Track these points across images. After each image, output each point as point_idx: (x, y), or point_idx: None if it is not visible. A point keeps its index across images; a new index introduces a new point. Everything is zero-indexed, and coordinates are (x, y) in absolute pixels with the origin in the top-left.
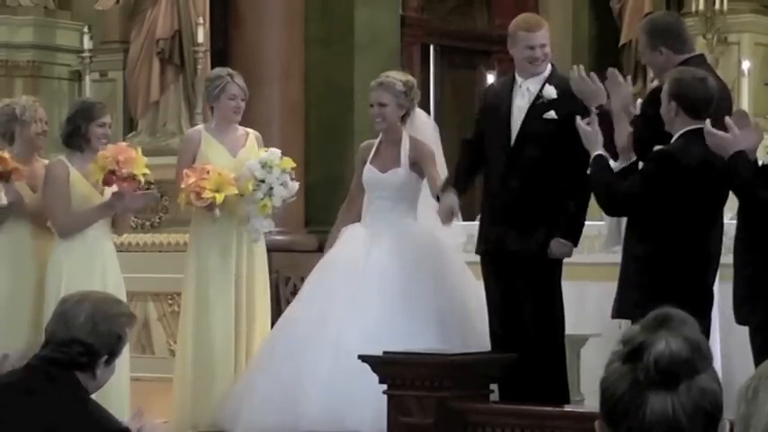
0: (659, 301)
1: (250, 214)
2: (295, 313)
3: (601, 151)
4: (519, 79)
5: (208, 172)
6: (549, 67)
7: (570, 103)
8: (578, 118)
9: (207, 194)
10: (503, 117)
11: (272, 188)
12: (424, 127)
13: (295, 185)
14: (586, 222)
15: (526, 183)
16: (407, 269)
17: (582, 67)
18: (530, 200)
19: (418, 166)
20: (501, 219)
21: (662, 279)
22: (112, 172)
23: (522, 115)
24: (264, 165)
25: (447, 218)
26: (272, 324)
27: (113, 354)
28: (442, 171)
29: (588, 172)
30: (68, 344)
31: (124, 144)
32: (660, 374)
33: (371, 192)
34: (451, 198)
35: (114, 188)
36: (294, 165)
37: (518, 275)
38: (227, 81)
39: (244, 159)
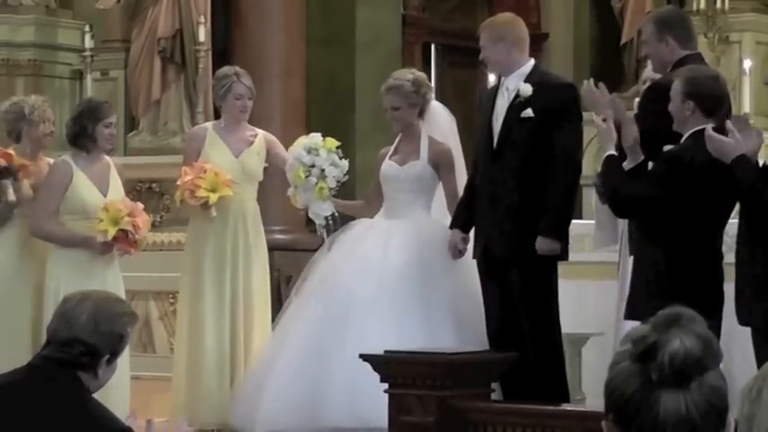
0: (672, 301)
1: (308, 202)
2: (311, 310)
3: (613, 151)
4: (502, 78)
5: (205, 171)
6: (531, 64)
7: (545, 96)
8: (595, 116)
9: (201, 193)
10: (486, 118)
11: (323, 170)
12: (439, 117)
13: (345, 163)
14: (586, 221)
15: (510, 182)
16: (427, 265)
17: (592, 79)
18: (514, 200)
19: (437, 168)
20: (490, 221)
21: (674, 280)
22: (125, 232)
23: (503, 115)
24: (310, 149)
25: (454, 254)
26: (273, 323)
27: (115, 353)
28: (459, 164)
29: (599, 171)
30: (70, 343)
31: (140, 206)
32: (674, 373)
33: (389, 185)
34: (456, 235)
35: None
36: (339, 143)
37: (511, 274)
38: (233, 81)
39: (246, 161)
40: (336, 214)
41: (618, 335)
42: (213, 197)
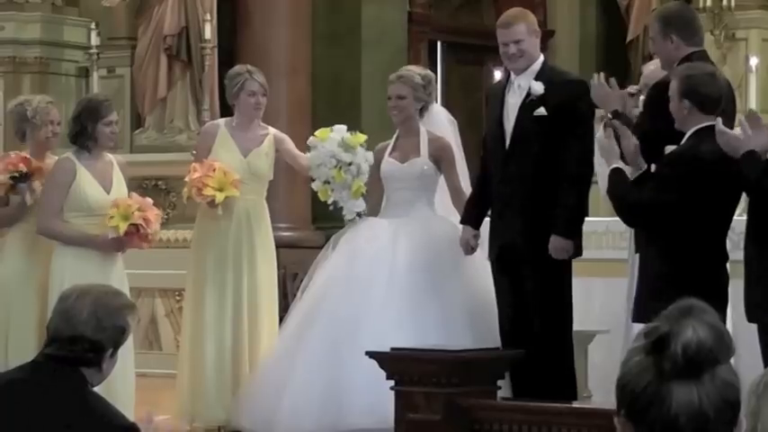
0: (676, 300)
1: (342, 200)
2: (324, 312)
3: (618, 164)
4: (512, 75)
5: (214, 170)
6: (541, 60)
7: (557, 94)
8: (600, 130)
9: (208, 192)
10: (496, 116)
11: (360, 167)
12: (440, 120)
13: (371, 155)
14: (594, 218)
15: (524, 182)
16: (436, 263)
17: (602, 74)
18: (528, 199)
19: (438, 163)
20: (503, 220)
21: (678, 281)
22: (136, 227)
23: (515, 114)
24: (347, 147)
25: (466, 251)
26: (280, 320)
27: (118, 346)
28: (461, 166)
29: (607, 187)
30: (74, 341)
31: (150, 200)
32: (687, 362)
33: (392, 184)
34: (467, 232)
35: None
36: (366, 137)
37: (526, 273)
38: (245, 78)
39: (253, 161)
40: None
41: (628, 333)
42: (219, 196)
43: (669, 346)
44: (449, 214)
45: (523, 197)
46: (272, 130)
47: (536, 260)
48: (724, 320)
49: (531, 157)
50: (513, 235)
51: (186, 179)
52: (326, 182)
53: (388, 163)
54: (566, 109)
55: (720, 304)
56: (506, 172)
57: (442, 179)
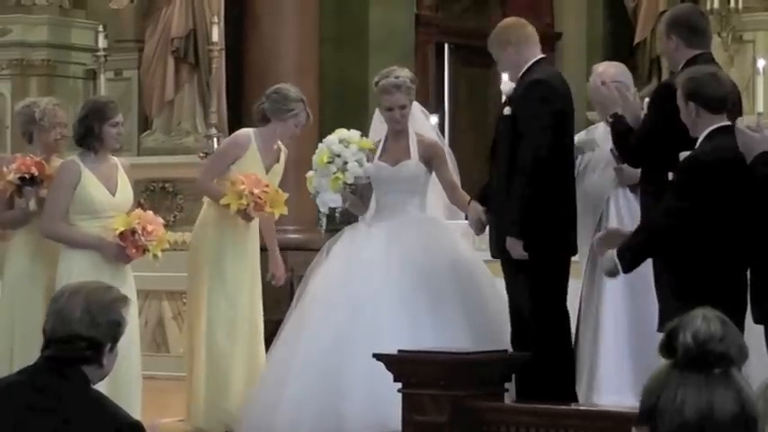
0: (698, 304)
1: (320, 188)
2: (318, 318)
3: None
4: None
5: (267, 185)
6: (533, 60)
7: (518, 94)
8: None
9: (268, 209)
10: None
11: (346, 163)
12: (418, 115)
13: (365, 165)
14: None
15: (499, 181)
16: (430, 267)
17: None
18: (503, 200)
19: (429, 162)
20: (492, 221)
21: (698, 286)
22: (133, 233)
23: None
24: (342, 140)
25: (477, 227)
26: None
27: (115, 340)
28: (449, 161)
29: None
30: (71, 340)
31: (160, 219)
32: (698, 348)
33: (383, 187)
34: (476, 206)
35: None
36: (373, 147)
37: (511, 273)
38: (301, 109)
39: (273, 177)
40: (342, 209)
41: (587, 337)
42: (277, 213)
43: (678, 336)
44: (441, 216)
45: (499, 197)
46: (281, 145)
47: (513, 262)
48: (742, 326)
49: (503, 158)
50: (495, 234)
51: (242, 189)
52: (316, 170)
53: (378, 166)
54: (521, 110)
55: (739, 310)
56: (491, 171)
57: (432, 181)
